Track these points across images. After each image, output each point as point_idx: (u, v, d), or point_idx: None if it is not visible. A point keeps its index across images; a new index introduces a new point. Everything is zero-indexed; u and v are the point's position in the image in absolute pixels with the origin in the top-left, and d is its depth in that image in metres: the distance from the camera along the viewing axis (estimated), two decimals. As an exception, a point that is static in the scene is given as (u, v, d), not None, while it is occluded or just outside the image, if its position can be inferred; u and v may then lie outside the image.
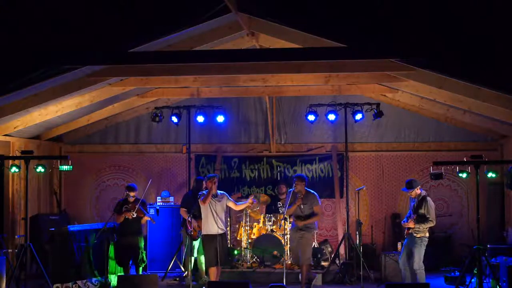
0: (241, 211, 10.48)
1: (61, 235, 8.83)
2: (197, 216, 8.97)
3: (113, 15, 7.34)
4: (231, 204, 8.76)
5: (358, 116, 9.99)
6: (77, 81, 8.60)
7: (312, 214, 8.82)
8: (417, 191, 8.39)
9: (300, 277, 8.94)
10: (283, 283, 8.31)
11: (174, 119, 10.47)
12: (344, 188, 10.96)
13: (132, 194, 9.04)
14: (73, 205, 11.87)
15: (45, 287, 8.54)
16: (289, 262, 9.81)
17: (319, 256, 10.18)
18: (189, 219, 9.17)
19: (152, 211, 9.93)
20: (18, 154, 8.93)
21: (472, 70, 7.58)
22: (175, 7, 7.43)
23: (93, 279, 9.03)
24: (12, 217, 10.16)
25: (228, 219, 10.64)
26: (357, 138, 11.60)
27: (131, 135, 12.07)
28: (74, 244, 8.83)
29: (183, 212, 9.49)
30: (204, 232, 8.60)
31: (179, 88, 10.51)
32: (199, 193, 8.75)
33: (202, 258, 9.16)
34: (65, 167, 9.59)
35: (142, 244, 9.16)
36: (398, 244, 9.54)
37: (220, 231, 8.54)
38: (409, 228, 8.32)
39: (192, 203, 9.16)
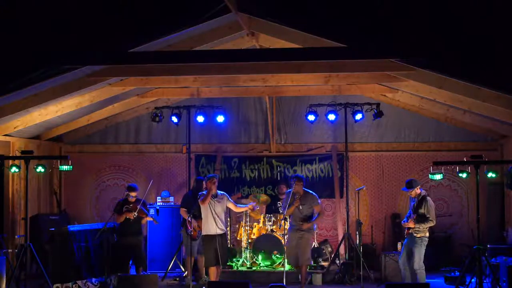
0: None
1: (61, 235, 8.83)
2: (197, 216, 8.97)
3: (113, 15, 7.34)
4: (231, 206, 8.76)
5: (358, 116, 9.99)
6: (77, 81, 8.60)
7: (312, 215, 8.83)
8: (417, 191, 8.39)
9: (300, 277, 8.94)
10: (283, 283, 8.30)
11: (174, 119, 10.47)
12: (344, 188, 10.96)
13: (133, 194, 9.03)
14: (73, 205, 11.87)
15: (45, 287, 8.54)
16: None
17: (315, 255, 10.16)
18: (189, 219, 9.17)
19: (152, 211, 9.93)
20: (18, 154, 8.93)
21: (472, 70, 7.58)
22: (175, 7, 7.43)
23: (93, 279, 9.03)
24: (12, 217, 10.16)
25: (228, 219, 10.64)
26: (357, 138, 11.60)
27: (131, 135, 12.07)
28: (74, 244, 8.83)
29: (183, 212, 9.49)
30: (204, 232, 8.60)
31: (179, 88, 10.51)
32: (199, 193, 8.75)
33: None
34: (65, 167, 9.59)
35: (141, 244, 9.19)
36: (398, 244, 9.53)
37: (220, 231, 8.54)
38: (409, 228, 8.32)
39: (192, 203, 9.16)
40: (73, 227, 9.12)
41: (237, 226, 10.91)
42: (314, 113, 10.09)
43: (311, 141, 11.78)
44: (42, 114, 9.63)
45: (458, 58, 7.39)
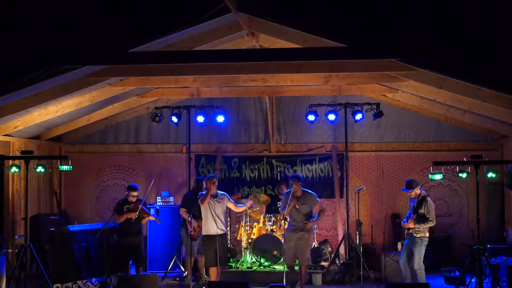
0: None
1: (61, 235, 8.83)
2: (197, 216, 8.97)
3: (113, 15, 7.33)
4: (231, 206, 8.76)
5: (358, 116, 9.99)
6: (77, 81, 8.60)
7: (312, 214, 8.83)
8: (417, 191, 8.39)
9: (295, 276, 8.94)
10: (283, 283, 8.31)
11: (174, 119, 10.47)
12: (344, 188, 10.96)
13: (134, 194, 9.02)
14: (73, 205, 11.87)
15: (45, 287, 8.53)
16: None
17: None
18: (189, 219, 9.17)
19: (152, 211, 9.93)
20: (18, 154, 8.93)
21: (472, 70, 7.58)
22: (175, 7, 7.43)
23: (93, 279, 9.03)
24: (12, 217, 10.16)
25: (228, 219, 10.64)
26: (357, 138, 11.60)
27: (131, 135, 12.07)
28: (74, 244, 8.83)
29: (183, 212, 9.49)
30: (203, 232, 8.61)
31: (179, 88, 10.51)
32: (199, 194, 8.75)
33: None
34: (65, 167, 9.59)
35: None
36: (398, 244, 9.55)
37: (220, 232, 8.54)
38: (409, 229, 8.32)
39: (192, 203, 9.16)
40: (73, 227, 9.12)
41: (237, 226, 10.91)
42: (314, 113, 10.09)
43: (311, 141, 11.78)
44: (42, 114, 9.62)
45: (458, 58, 7.38)
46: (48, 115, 9.72)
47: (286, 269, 8.67)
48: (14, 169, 9.09)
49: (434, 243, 9.97)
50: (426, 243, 8.28)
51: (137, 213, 8.90)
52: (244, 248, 10.45)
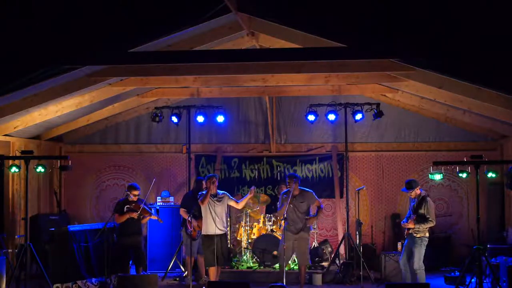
0: (241, 210, 10.49)
1: (61, 235, 8.83)
2: (197, 216, 8.97)
3: (113, 15, 7.33)
4: (232, 203, 8.75)
5: (358, 116, 9.98)
6: (77, 81, 8.60)
7: (310, 212, 8.81)
8: (417, 191, 8.38)
9: (300, 277, 8.95)
10: (283, 283, 8.30)
11: (174, 119, 10.47)
12: (344, 188, 10.96)
13: (135, 193, 9.00)
14: (73, 205, 11.87)
15: (45, 287, 8.53)
16: (289, 262, 9.79)
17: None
18: (189, 219, 9.18)
19: (152, 211, 9.92)
20: (18, 154, 8.92)
21: (472, 70, 7.57)
22: (175, 7, 7.42)
23: (93, 279, 9.03)
24: (12, 217, 10.16)
25: (228, 219, 10.63)
26: (357, 138, 11.60)
27: (131, 135, 12.07)
28: (74, 244, 8.83)
29: (182, 212, 9.49)
30: (203, 232, 8.61)
31: (179, 88, 10.51)
32: (199, 193, 8.76)
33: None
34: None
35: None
36: (398, 244, 9.54)
37: (220, 232, 8.53)
38: (409, 229, 8.32)
39: (192, 203, 9.16)
40: (73, 227, 9.12)
41: (237, 226, 10.91)
42: (314, 113, 10.08)
43: (311, 141, 11.78)
44: (42, 114, 9.62)
45: (458, 58, 7.38)
46: (48, 115, 9.72)
47: (286, 269, 8.65)
48: (14, 169, 9.09)
49: (434, 243, 9.97)
50: (426, 243, 8.28)
51: (139, 212, 8.89)
52: (244, 248, 10.45)
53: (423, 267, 8.23)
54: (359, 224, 9.95)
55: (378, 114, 10.03)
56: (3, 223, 10.04)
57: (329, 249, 10.65)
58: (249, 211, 10.70)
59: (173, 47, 8.23)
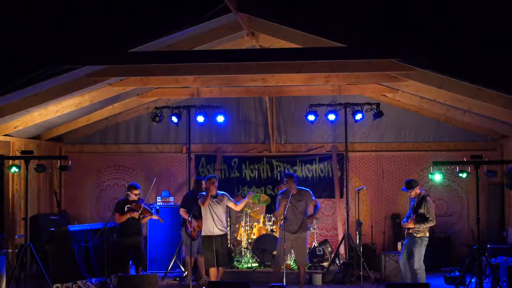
0: (241, 211, 10.49)
1: (61, 235, 8.83)
2: (197, 216, 8.97)
3: (113, 15, 7.33)
4: (231, 205, 8.76)
5: (358, 116, 9.98)
6: (77, 81, 8.60)
7: (307, 212, 8.81)
8: (417, 191, 8.38)
9: (299, 277, 8.94)
10: (283, 283, 8.30)
11: (174, 119, 10.47)
12: (344, 188, 10.96)
13: (136, 192, 8.99)
14: (73, 205, 11.87)
15: (45, 287, 8.53)
16: (289, 262, 9.79)
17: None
18: (189, 219, 9.18)
19: (152, 211, 9.92)
20: (18, 154, 8.92)
21: (472, 70, 7.57)
22: (175, 7, 7.42)
23: (93, 279, 9.03)
24: (12, 217, 10.16)
25: (228, 219, 10.63)
26: (357, 138, 11.61)
27: (131, 135, 12.07)
28: (74, 244, 8.82)
29: (182, 212, 9.49)
30: (203, 233, 8.61)
31: (179, 88, 10.51)
32: (199, 194, 8.76)
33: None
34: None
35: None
36: (398, 244, 9.55)
37: (220, 232, 8.53)
38: (409, 228, 8.32)
39: (192, 203, 9.16)
40: (73, 227, 9.12)
41: (237, 226, 10.91)
42: (314, 113, 10.08)
43: (311, 141, 11.78)
44: (42, 114, 9.62)
45: (458, 58, 7.38)
46: (48, 115, 9.72)
47: (286, 270, 8.64)
48: (14, 169, 9.09)
49: (434, 243, 9.97)
50: (426, 243, 8.27)
51: (140, 212, 8.88)
52: (244, 248, 10.45)
53: (423, 267, 8.23)
54: (359, 224, 9.95)
55: (378, 114, 10.03)
56: (3, 223, 10.04)
57: (329, 249, 10.65)
58: (249, 211, 10.71)
59: (173, 47, 8.23)
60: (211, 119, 10.54)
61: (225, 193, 8.75)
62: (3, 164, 8.88)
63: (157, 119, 10.50)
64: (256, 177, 11.72)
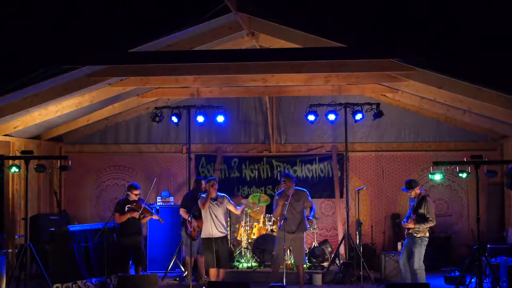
0: (241, 211, 10.48)
1: (61, 235, 8.83)
2: (197, 216, 8.97)
3: (113, 15, 7.33)
4: (231, 208, 8.74)
5: (358, 116, 9.99)
6: (77, 81, 8.60)
7: (304, 212, 8.81)
8: (417, 191, 8.39)
9: (299, 277, 8.93)
10: (283, 283, 8.30)
11: (174, 119, 10.47)
12: (344, 188, 10.96)
13: (136, 192, 8.99)
14: (73, 205, 11.87)
15: (45, 287, 8.53)
16: (289, 262, 9.79)
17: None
18: (189, 219, 9.18)
19: (152, 211, 9.92)
20: (18, 154, 8.92)
21: (472, 70, 7.57)
22: (175, 7, 7.42)
23: (93, 279, 9.03)
24: (12, 217, 10.16)
25: (228, 219, 10.63)
26: (357, 138, 11.61)
27: (131, 135, 12.07)
28: (74, 244, 8.82)
29: (182, 212, 9.49)
30: (203, 235, 8.60)
31: (179, 88, 10.51)
32: (199, 195, 8.75)
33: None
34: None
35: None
36: (398, 244, 9.55)
37: (220, 234, 8.52)
38: (409, 229, 8.32)
39: (192, 203, 9.16)
40: (73, 227, 9.11)
41: (237, 226, 10.91)
42: (314, 113, 10.09)
43: (311, 141, 11.78)
44: (42, 114, 9.62)
45: (458, 58, 7.38)
46: (48, 115, 9.72)
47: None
48: (14, 169, 9.08)
49: (434, 243, 9.97)
50: (426, 243, 8.27)
51: (140, 212, 8.88)
52: (244, 248, 10.45)
53: (423, 267, 8.23)
54: (359, 224, 9.95)
55: (378, 114, 10.03)
56: (3, 223, 10.04)
57: (329, 249, 10.65)
58: (249, 211, 10.71)
59: (173, 47, 8.23)
60: (211, 119, 10.54)
61: (226, 195, 8.72)
62: (3, 164, 8.88)
63: (157, 119, 10.50)
64: (256, 177, 11.72)
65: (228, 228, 10.42)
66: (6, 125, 9.49)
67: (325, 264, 10.25)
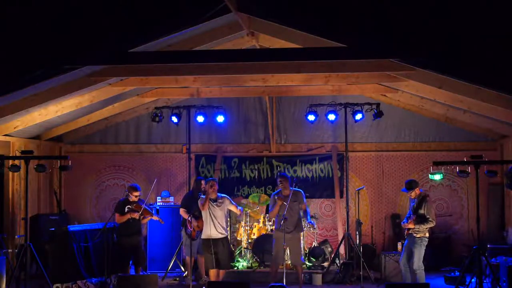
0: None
1: (61, 235, 8.82)
2: (197, 216, 8.97)
3: (113, 15, 7.33)
4: (232, 208, 8.73)
5: (358, 116, 9.99)
6: (77, 81, 8.59)
7: (301, 212, 8.82)
8: (417, 191, 8.39)
9: (298, 278, 8.94)
10: (283, 283, 8.30)
11: (174, 119, 10.47)
12: (344, 188, 10.96)
13: (136, 194, 8.99)
14: (73, 205, 11.86)
15: (45, 287, 8.53)
16: (289, 262, 9.79)
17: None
18: (189, 219, 9.17)
19: (152, 212, 9.92)
20: (18, 154, 8.91)
21: (472, 70, 7.57)
22: (175, 7, 7.42)
23: (93, 279, 9.03)
24: (12, 217, 10.15)
25: (228, 219, 10.63)
26: (357, 138, 11.61)
27: (131, 135, 12.07)
28: (74, 244, 8.82)
29: (182, 212, 9.49)
30: (202, 235, 8.59)
31: (179, 88, 10.51)
32: (199, 194, 8.75)
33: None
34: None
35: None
36: (398, 244, 9.56)
37: (220, 236, 8.50)
38: (409, 229, 8.32)
39: (192, 203, 9.16)
40: (73, 227, 9.11)
41: (237, 226, 10.91)
42: (314, 113, 10.09)
43: (311, 141, 11.78)
44: (42, 114, 9.62)
45: (458, 58, 7.37)
46: (48, 115, 9.72)
47: (286, 269, 8.62)
48: (14, 169, 9.08)
49: (434, 243, 9.98)
50: (426, 243, 8.28)
51: (140, 213, 8.88)
52: (244, 248, 10.45)
53: (423, 267, 8.23)
54: (359, 224, 9.95)
55: (378, 114, 10.03)
56: (3, 223, 10.04)
57: (329, 249, 10.66)
58: (249, 211, 10.71)
59: (173, 47, 8.23)
60: (211, 119, 10.55)
61: (226, 196, 8.71)
62: (3, 164, 8.88)
63: (157, 119, 10.50)
64: (256, 177, 11.72)
65: (228, 228, 10.43)
66: (6, 125, 9.49)
67: (325, 264, 10.25)
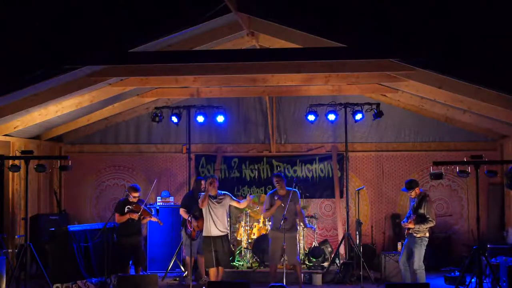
0: (241, 210, 10.50)
1: (61, 235, 8.82)
2: (197, 216, 8.97)
3: (113, 15, 7.33)
4: (234, 204, 8.75)
5: (358, 116, 9.99)
6: (77, 81, 8.60)
7: (297, 212, 8.82)
8: (417, 191, 8.39)
9: (297, 277, 8.93)
10: (283, 283, 8.30)
11: (174, 119, 10.47)
12: (344, 188, 10.96)
13: (135, 195, 8.99)
14: (73, 205, 11.86)
15: (45, 287, 8.53)
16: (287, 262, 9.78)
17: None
18: (189, 219, 9.18)
19: (152, 212, 9.91)
20: (18, 154, 8.92)
21: (472, 70, 7.57)
22: (175, 7, 7.42)
23: (93, 279, 9.03)
24: (12, 217, 10.15)
25: (228, 219, 10.62)
26: (357, 138, 11.60)
27: (131, 135, 12.07)
28: (74, 244, 8.82)
29: (182, 212, 9.49)
30: (203, 233, 8.60)
31: (179, 88, 10.51)
32: (199, 194, 8.76)
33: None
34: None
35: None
36: (398, 244, 9.55)
37: (220, 233, 8.51)
38: (409, 229, 8.32)
39: (192, 203, 9.17)
40: (73, 227, 9.11)
41: (237, 226, 10.92)
42: (314, 113, 10.09)
43: (311, 141, 11.78)
44: (42, 114, 9.62)
45: (458, 58, 7.38)
46: (48, 115, 9.72)
47: (286, 269, 8.63)
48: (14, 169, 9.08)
49: (434, 243, 9.98)
50: (426, 243, 8.28)
51: (139, 213, 8.88)
52: (244, 248, 10.45)
53: (423, 267, 8.23)
54: (359, 224, 9.95)
55: (378, 114, 10.03)
56: (3, 223, 10.04)
57: (329, 249, 10.65)
58: (249, 211, 10.71)
59: (173, 47, 8.23)
60: (211, 119, 10.55)
61: (227, 193, 8.72)
62: (3, 164, 8.88)
63: (157, 119, 10.50)
64: (256, 177, 11.72)
65: (228, 228, 10.44)
66: (6, 125, 9.49)
67: (325, 264, 10.26)
